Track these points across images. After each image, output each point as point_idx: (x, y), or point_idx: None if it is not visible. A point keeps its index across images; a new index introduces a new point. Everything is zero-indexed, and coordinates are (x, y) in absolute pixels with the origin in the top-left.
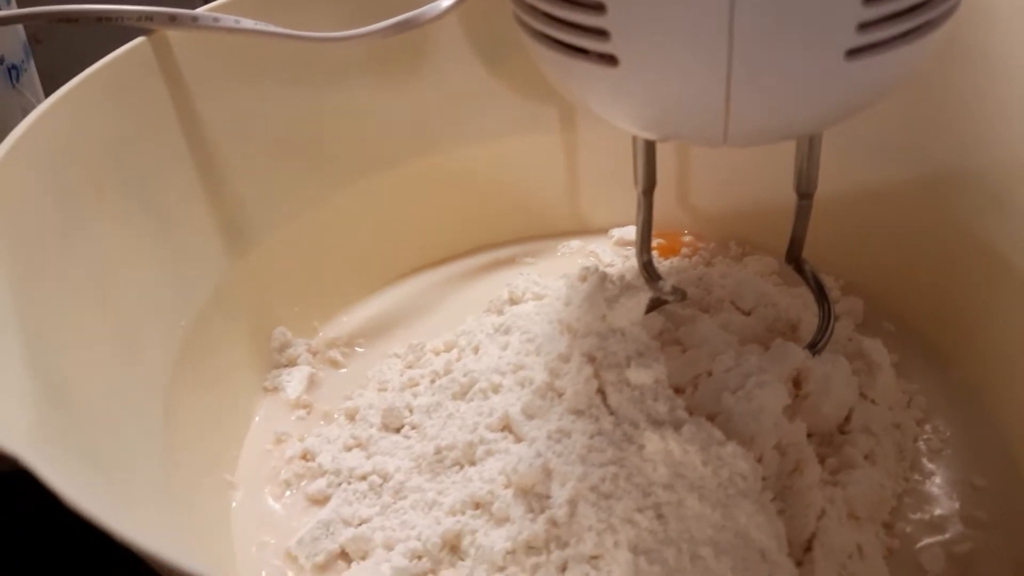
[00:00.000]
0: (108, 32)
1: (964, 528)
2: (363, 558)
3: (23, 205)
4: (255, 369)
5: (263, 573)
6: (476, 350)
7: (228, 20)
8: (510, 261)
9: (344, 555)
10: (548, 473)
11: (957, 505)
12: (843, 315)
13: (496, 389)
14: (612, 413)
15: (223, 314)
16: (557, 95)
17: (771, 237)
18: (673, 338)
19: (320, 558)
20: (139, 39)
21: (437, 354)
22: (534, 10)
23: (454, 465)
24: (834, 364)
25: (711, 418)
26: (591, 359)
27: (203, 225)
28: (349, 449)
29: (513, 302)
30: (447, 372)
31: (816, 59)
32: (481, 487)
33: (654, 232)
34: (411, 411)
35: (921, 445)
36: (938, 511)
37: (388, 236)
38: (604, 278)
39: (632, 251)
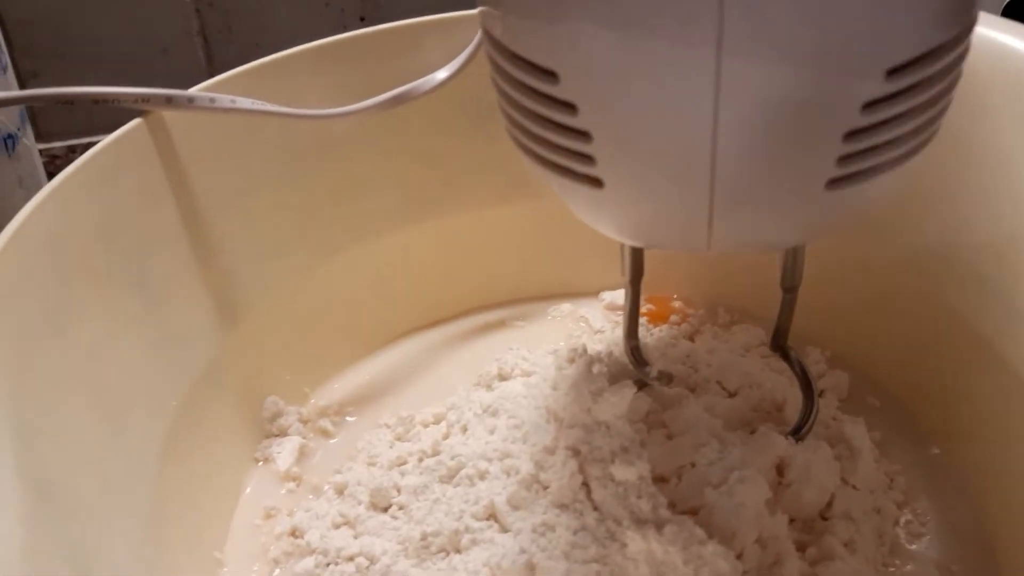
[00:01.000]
0: (105, 113)
1: None
2: None
3: (18, 297)
4: (246, 439)
5: None
6: (464, 429)
7: (224, 100)
8: (500, 324)
9: None
10: (532, 569)
11: None
12: (828, 390)
13: (483, 476)
14: (596, 509)
15: (214, 387)
16: None
17: (760, 305)
18: (659, 420)
19: None
20: (136, 120)
21: (426, 426)
22: (522, 128)
23: (440, 552)
24: (815, 451)
25: (694, 512)
26: (576, 452)
27: (195, 301)
28: (337, 527)
29: (502, 377)
30: (435, 452)
31: (797, 190)
32: None
33: (645, 297)
34: (399, 491)
35: (901, 529)
36: None
37: (378, 301)
38: (591, 363)
39: (620, 315)
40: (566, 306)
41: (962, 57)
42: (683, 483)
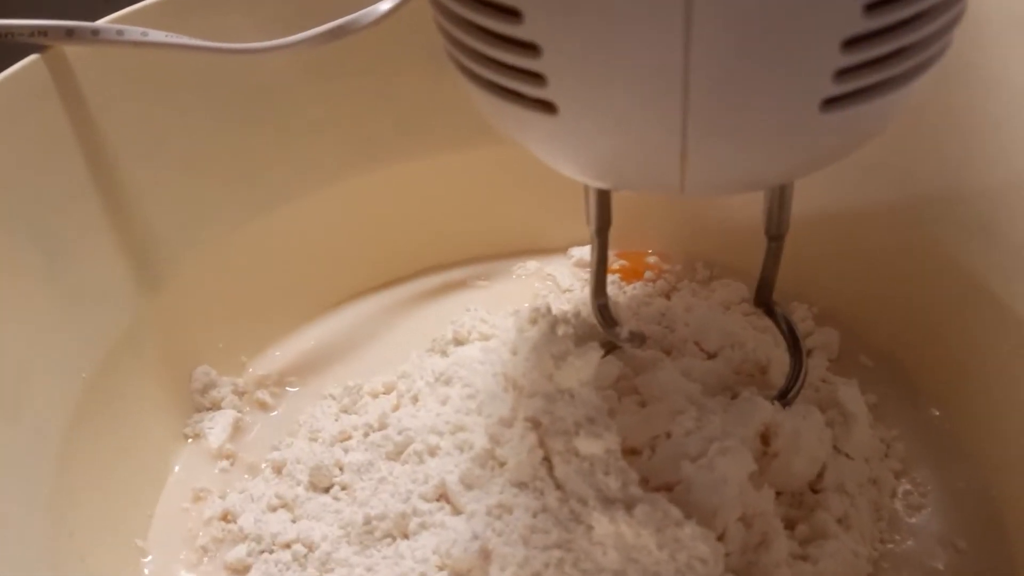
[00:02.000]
0: None
1: None
2: None
3: None
4: (174, 414)
5: None
6: (415, 400)
7: (134, 32)
8: (460, 284)
9: None
10: (486, 556)
11: (938, 570)
12: (817, 349)
13: (433, 452)
14: (559, 487)
15: (134, 357)
16: None
17: (741, 259)
18: (631, 386)
19: None
20: (32, 57)
21: (375, 397)
22: (462, 46)
23: (385, 537)
24: (805, 417)
25: (669, 488)
26: (536, 424)
27: (108, 260)
28: (274, 510)
29: (458, 342)
30: (382, 426)
31: (786, 110)
32: (413, 567)
33: (616, 252)
34: (342, 469)
35: (900, 501)
36: None
37: (324, 259)
38: (554, 325)
39: None
40: (532, 264)
41: None
42: (657, 456)
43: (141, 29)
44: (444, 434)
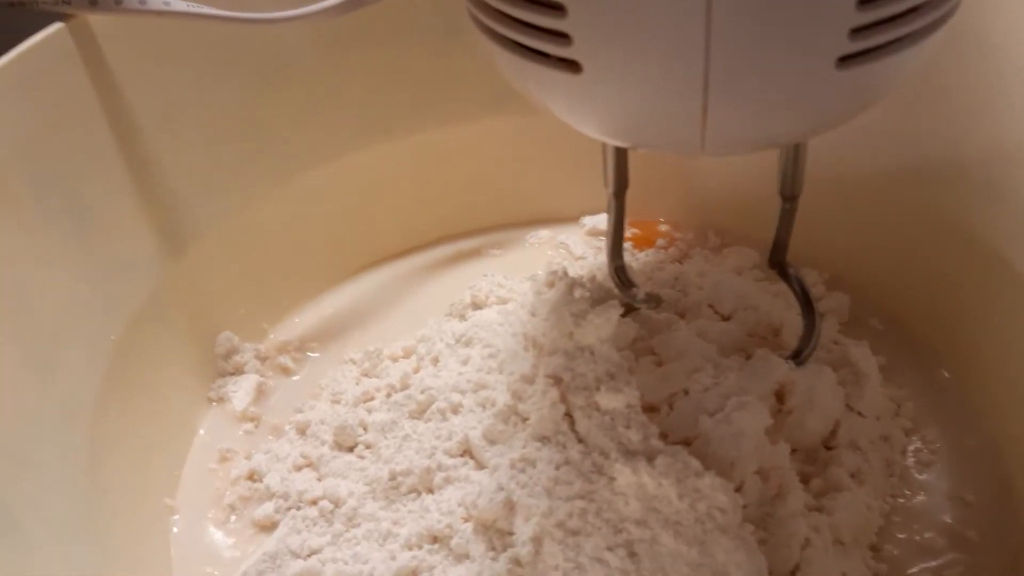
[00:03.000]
0: (22, 18)
1: (954, 552)
2: None
3: None
4: (198, 379)
5: None
6: (435, 361)
7: (156, 2)
8: (475, 253)
9: None
10: (511, 507)
11: (948, 523)
12: (828, 313)
13: (456, 409)
14: (580, 441)
15: (160, 322)
16: None
17: (753, 227)
18: (647, 347)
19: None
20: (56, 25)
21: (395, 361)
22: (485, 6)
23: (410, 492)
24: (819, 376)
25: (688, 442)
26: (557, 381)
27: (134, 226)
28: (299, 469)
29: (476, 306)
30: (404, 387)
31: (803, 67)
32: (439, 520)
33: (628, 221)
34: (365, 428)
35: (910, 458)
36: (928, 532)
37: (342, 229)
38: (572, 286)
39: (604, 241)
40: (545, 232)
41: None
42: (675, 412)
43: None
44: (466, 392)
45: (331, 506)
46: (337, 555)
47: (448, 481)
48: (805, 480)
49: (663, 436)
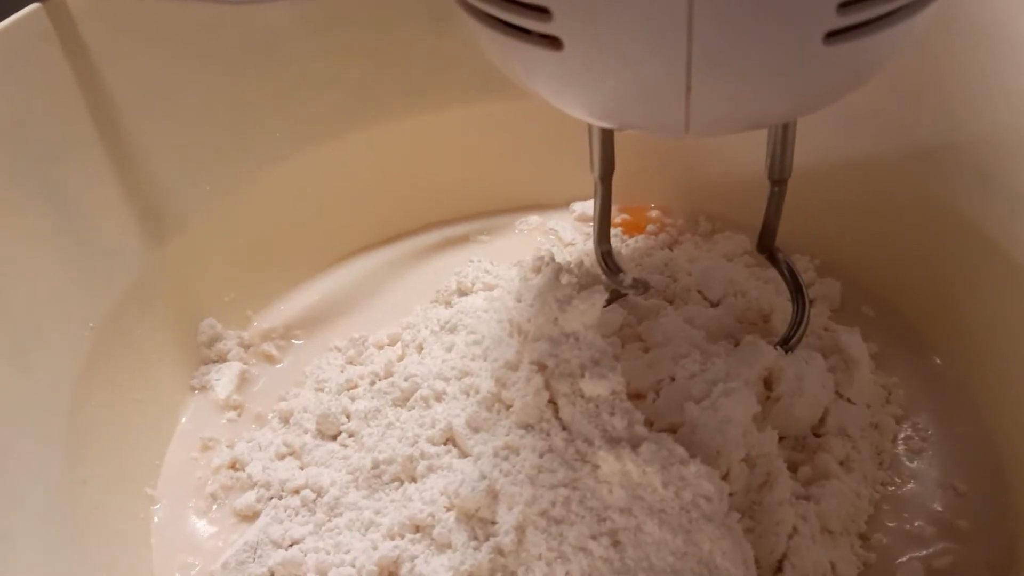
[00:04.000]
0: None
1: (944, 541)
2: None
3: None
4: (181, 366)
5: None
6: (420, 349)
7: None
8: (463, 239)
9: None
10: (494, 496)
11: (938, 512)
12: (819, 299)
13: (439, 397)
14: (564, 428)
15: (142, 308)
16: None
17: (744, 212)
18: (635, 333)
19: None
20: (33, 6)
21: (380, 348)
22: None
23: (393, 481)
24: (808, 362)
25: (673, 429)
26: (541, 367)
27: (115, 211)
28: (282, 458)
29: (462, 292)
30: (388, 374)
31: (790, 43)
32: (421, 509)
33: (618, 207)
34: (348, 417)
35: (900, 446)
36: (918, 521)
37: (328, 215)
38: (559, 272)
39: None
40: (534, 218)
41: None
42: (661, 399)
43: None
44: (450, 379)
45: (313, 495)
46: (319, 545)
47: (431, 470)
48: (793, 468)
49: (649, 423)
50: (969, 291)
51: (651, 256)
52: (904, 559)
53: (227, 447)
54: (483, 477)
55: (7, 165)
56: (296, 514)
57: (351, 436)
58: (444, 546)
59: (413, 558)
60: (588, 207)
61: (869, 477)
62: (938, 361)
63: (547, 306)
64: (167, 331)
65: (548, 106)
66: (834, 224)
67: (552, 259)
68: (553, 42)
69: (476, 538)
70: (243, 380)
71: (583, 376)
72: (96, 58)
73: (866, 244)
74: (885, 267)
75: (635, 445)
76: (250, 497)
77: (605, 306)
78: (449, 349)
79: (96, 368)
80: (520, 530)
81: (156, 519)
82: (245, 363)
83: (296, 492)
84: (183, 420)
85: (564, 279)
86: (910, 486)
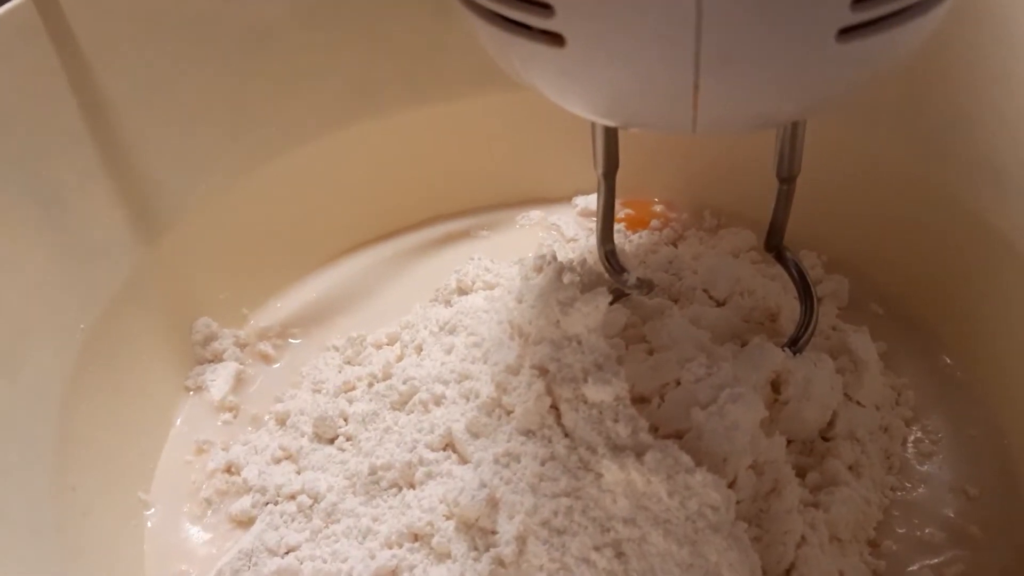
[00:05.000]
0: None
1: (956, 548)
2: None
3: None
4: (175, 366)
5: None
6: (419, 350)
7: None
8: (464, 234)
9: None
10: (494, 505)
11: (949, 517)
12: (826, 297)
13: (438, 401)
14: (567, 435)
15: (135, 308)
16: None
17: (750, 207)
18: (639, 334)
19: None
20: None
21: (379, 348)
22: None
23: (391, 487)
24: (817, 364)
25: (679, 435)
26: (543, 372)
27: (106, 209)
28: (278, 462)
29: (462, 291)
30: (386, 376)
31: (802, 40)
32: (420, 517)
33: (622, 201)
34: (346, 420)
35: (911, 449)
36: (928, 527)
37: (326, 210)
38: (560, 271)
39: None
40: (536, 213)
41: None
42: (667, 404)
43: None
44: (450, 383)
45: (310, 501)
46: (315, 552)
47: (430, 476)
48: (801, 473)
49: (654, 429)
50: (981, 288)
51: (655, 253)
52: (915, 567)
53: (222, 450)
54: (483, 485)
55: None
56: (292, 520)
57: (348, 440)
58: (443, 556)
59: (412, 568)
60: (591, 201)
61: (878, 482)
62: (948, 360)
63: (549, 308)
64: (161, 331)
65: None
66: (841, 219)
67: (554, 258)
68: (555, 39)
69: (476, 548)
70: (239, 380)
71: (586, 381)
72: (86, 52)
73: (874, 240)
74: (894, 263)
75: (640, 453)
76: (245, 502)
77: (609, 306)
78: (449, 351)
79: (87, 370)
80: (521, 540)
81: (149, 524)
82: (241, 363)
83: (292, 497)
84: (177, 422)
85: (566, 279)
86: (920, 491)
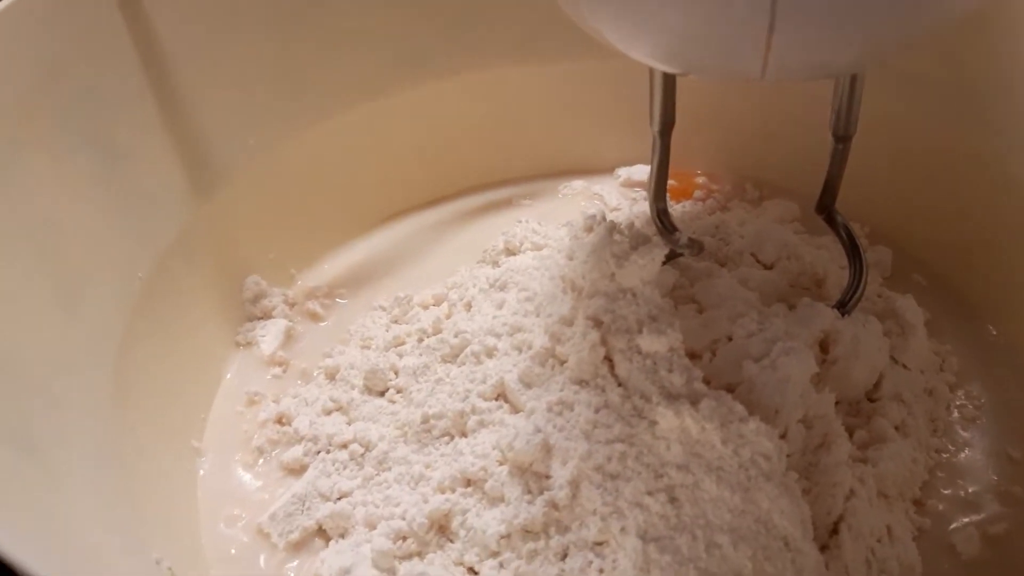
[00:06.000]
0: None
1: (999, 506)
2: (342, 536)
3: None
4: (226, 322)
5: (232, 551)
6: (468, 307)
7: None
8: (506, 203)
9: (321, 532)
10: (548, 450)
11: (992, 480)
12: (870, 267)
13: (490, 353)
14: (621, 384)
15: (188, 262)
16: (561, 16)
17: (791, 179)
18: (688, 295)
19: (295, 536)
20: None
21: (426, 308)
22: None
23: (443, 436)
24: (865, 326)
25: (731, 389)
26: (597, 323)
27: (162, 162)
28: (328, 413)
29: (510, 252)
30: (436, 331)
31: None
32: (473, 463)
33: None
34: (396, 373)
35: (955, 413)
36: (972, 487)
37: (373, 174)
38: (612, 229)
39: (640, 193)
40: (578, 183)
41: None
42: (718, 358)
43: None
44: (502, 335)
45: (361, 449)
46: (368, 498)
47: (482, 424)
48: (849, 432)
49: (705, 382)
50: (1022, 259)
51: (701, 220)
52: (959, 524)
53: (273, 402)
54: (537, 431)
55: (56, 111)
56: (344, 468)
57: (399, 392)
58: (496, 499)
59: (465, 511)
60: (634, 172)
61: (924, 443)
62: (992, 330)
63: (603, 262)
64: (212, 286)
65: (595, 67)
66: (883, 190)
67: (604, 217)
68: None
69: (530, 492)
70: (288, 337)
71: (640, 332)
72: (147, 8)
73: (917, 211)
74: (937, 235)
75: (694, 401)
76: (297, 451)
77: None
78: (500, 306)
79: (143, 318)
80: (575, 485)
81: (201, 472)
82: (290, 320)
83: (344, 446)
84: (228, 375)
85: (617, 237)
86: (964, 453)
